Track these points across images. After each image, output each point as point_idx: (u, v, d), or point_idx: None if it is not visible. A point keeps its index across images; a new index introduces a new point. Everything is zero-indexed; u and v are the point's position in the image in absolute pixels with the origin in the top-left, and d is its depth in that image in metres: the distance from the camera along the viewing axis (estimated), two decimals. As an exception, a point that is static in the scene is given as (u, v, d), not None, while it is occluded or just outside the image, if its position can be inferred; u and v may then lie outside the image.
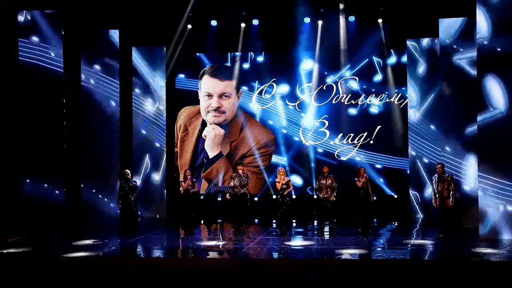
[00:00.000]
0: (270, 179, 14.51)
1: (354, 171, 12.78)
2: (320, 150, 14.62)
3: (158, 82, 14.84)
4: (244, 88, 14.98)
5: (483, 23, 10.66)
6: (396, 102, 14.36)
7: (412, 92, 13.88)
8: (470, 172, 11.94)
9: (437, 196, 10.66)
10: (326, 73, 14.71)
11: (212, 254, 9.50)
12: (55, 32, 11.83)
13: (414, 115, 13.84)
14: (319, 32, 14.35)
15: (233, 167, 14.41)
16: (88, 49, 13.27)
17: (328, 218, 11.96)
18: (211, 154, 14.79)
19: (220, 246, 10.05)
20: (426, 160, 13.60)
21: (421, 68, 13.80)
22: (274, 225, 12.74)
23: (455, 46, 12.26)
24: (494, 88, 10.56)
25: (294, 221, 13.30)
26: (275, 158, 14.76)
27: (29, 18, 11.79)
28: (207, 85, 14.82)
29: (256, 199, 14.47)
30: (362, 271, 8.11)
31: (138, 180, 13.81)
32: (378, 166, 14.39)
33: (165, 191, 14.80)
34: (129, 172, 11.66)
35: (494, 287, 7.69)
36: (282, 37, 14.39)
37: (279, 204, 11.56)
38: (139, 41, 14.53)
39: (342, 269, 8.21)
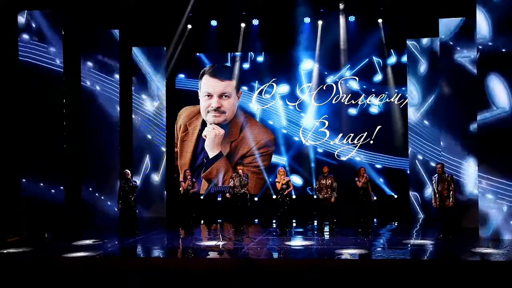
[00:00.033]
0: (270, 179, 14.51)
1: (354, 171, 12.79)
2: (320, 150, 14.62)
3: (158, 82, 14.84)
4: (244, 88, 14.98)
5: (483, 23, 10.67)
6: (396, 102, 14.36)
7: (413, 91, 13.85)
8: (470, 172, 11.94)
9: (437, 196, 10.65)
10: (326, 73, 14.71)
11: (212, 254, 9.50)
12: (55, 32, 11.83)
13: (414, 115, 13.83)
14: (319, 32, 14.35)
15: (233, 167, 14.41)
16: (88, 49, 13.26)
17: (328, 218, 11.96)
18: (211, 154, 14.79)
19: (220, 246, 10.05)
20: (426, 160, 13.60)
21: (422, 67, 13.79)
22: (274, 225, 12.74)
23: (453, 44, 12.25)
24: (497, 87, 10.55)
25: (294, 221, 13.29)
26: (275, 158, 14.76)
27: (29, 18, 11.78)
28: (207, 85, 14.82)
29: (256, 199, 14.47)
30: (362, 271, 8.11)
31: (138, 180, 13.81)
32: (378, 166, 14.39)
33: (165, 191, 14.80)
34: (129, 172, 11.66)
35: (494, 287, 7.68)
36: (282, 37, 14.39)
37: (279, 204, 11.57)
38: (139, 41, 14.54)
39: (342, 269, 8.21)
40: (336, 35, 14.17)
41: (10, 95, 11.71)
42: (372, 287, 7.82)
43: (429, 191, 13.21)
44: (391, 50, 14.36)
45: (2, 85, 11.69)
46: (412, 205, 13.78)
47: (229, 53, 14.99)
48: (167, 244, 10.82)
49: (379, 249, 9.99)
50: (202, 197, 14.65)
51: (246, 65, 14.97)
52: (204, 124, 14.93)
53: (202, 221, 13.76)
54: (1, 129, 11.63)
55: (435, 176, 10.80)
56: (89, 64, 13.28)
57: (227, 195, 11.85)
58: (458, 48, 12.25)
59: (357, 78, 14.52)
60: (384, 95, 14.42)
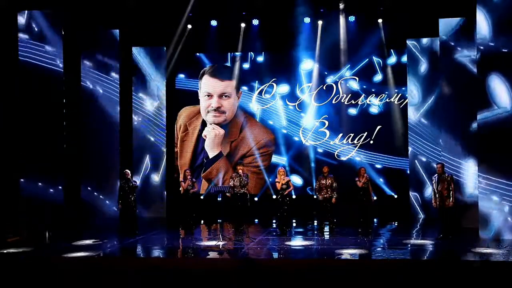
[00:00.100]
0: (270, 179, 14.51)
1: (354, 171, 12.80)
2: (320, 150, 14.62)
3: (158, 82, 14.84)
4: (244, 88, 14.98)
5: (483, 23, 10.67)
6: (396, 102, 14.35)
7: (414, 91, 13.84)
8: (470, 172, 11.94)
9: (437, 196, 10.65)
10: (326, 73, 14.71)
11: (212, 254, 9.51)
12: (55, 32, 11.81)
13: (414, 115, 13.83)
14: (319, 32, 14.35)
15: (233, 167, 14.41)
16: (88, 49, 13.26)
17: (328, 218, 11.95)
18: (211, 154, 14.79)
19: (220, 246, 10.05)
20: (425, 160, 13.59)
21: (423, 67, 13.78)
22: (274, 225, 12.74)
23: (453, 44, 12.25)
24: (498, 87, 10.55)
25: (294, 221, 13.29)
26: (275, 158, 14.76)
27: (29, 18, 11.77)
28: (207, 85, 14.82)
29: (256, 199, 14.47)
30: (362, 271, 8.11)
31: (138, 180, 13.81)
32: (378, 166, 14.38)
33: (165, 191, 14.80)
34: (129, 172, 11.66)
35: (494, 287, 7.68)
36: (282, 37, 14.39)
37: (279, 204, 11.56)
38: (139, 41, 14.54)
39: (342, 269, 8.21)
40: (336, 35, 14.17)
41: (10, 95, 11.70)
42: (372, 287, 7.81)
43: (429, 191, 13.20)
44: (391, 50, 14.36)
45: (2, 85, 11.68)
46: (412, 205, 13.78)
47: (229, 53, 14.99)
48: (167, 244, 10.82)
49: (379, 249, 9.99)
50: (202, 197, 14.65)
51: (246, 65, 14.97)
52: (204, 124, 14.93)
53: (202, 221, 13.76)
54: (1, 129, 11.63)
55: (435, 176, 10.80)
56: (89, 64, 13.28)
57: (228, 194, 11.85)
58: (458, 48, 12.25)
59: (357, 78, 14.52)
60: (384, 95, 14.42)
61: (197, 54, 15.10)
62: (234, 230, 11.79)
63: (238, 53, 14.86)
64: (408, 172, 14.02)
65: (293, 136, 14.76)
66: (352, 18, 14.16)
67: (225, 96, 14.74)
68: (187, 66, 15.13)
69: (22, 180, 11.55)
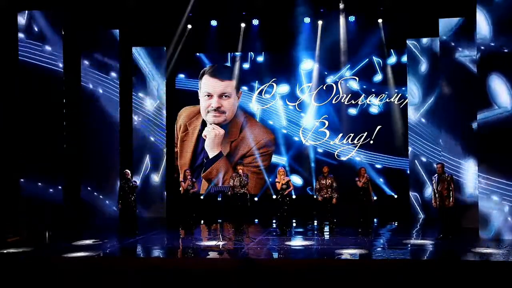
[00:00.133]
0: (270, 179, 14.51)
1: (354, 171, 12.80)
2: (320, 150, 14.62)
3: (158, 82, 14.84)
4: (244, 88, 14.98)
5: (483, 23, 10.67)
6: (396, 102, 14.35)
7: (414, 90, 13.83)
8: (470, 172, 11.93)
9: (437, 196, 10.65)
10: (326, 73, 14.71)
11: (212, 254, 9.50)
12: (55, 32, 11.81)
13: (414, 115, 13.82)
14: (319, 32, 14.35)
15: (233, 167, 14.41)
16: (88, 49, 13.26)
17: (328, 218, 11.95)
18: (211, 154, 14.79)
19: (220, 246, 10.05)
20: (425, 160, 13.59)
21: (423, 67, 13.78)
22: (274, 225, 12.74)
23: (453, 44, 12.25)
24: (499, 87, 10.55)
25: (294, 221, 13.29)
26: (275, 158, 14.76)
27: (29, 18, 11.77)
28: (207, 85, 14.82)
29: (256, 199, 14.47)
30: (362, 271, 8.11)
31: (138, 180, 13.81)
32: (378, 166, 14.38)
33: (165, 191, 14.79)
34: (129, 172, 11.66)
35: (494, 287, 7.68)
36: (282, 37, 14.40)
37: (279, 204, 11.55)
38: (139, 41, 14.54)
39: (342, 269, 8.21)
40: (336, 35, 14.17)
41: (10, 95, 11.70)
42: (372, 287, 7.81)
43: (429, 191, 13.20)
44: (391, 50, 14.36)
45: (2, 85, 11.68)
46: (412, 205, 13.78)
47: (229, 53, 14.99)
48: (167, 244, 10.82)
49: (379, 249, 9.99)
50: (202, 197, 14.65)
51: (246, 65, 14.97)
52: (204, 124, 14.93)
53: (202, 221, 13.76)
54: (1, 129, 11.63)
55: (435, 176, 10.80)
56: (89, 64, 13.28)
57: (228, 192, 11.85)
58: (459, 48, 12.24)
59: (357, 78, 14.52)
60: (384, 95, 14.42)
61: (197, 54, 15.10)
62: (234, 230, 11.79)
63: (238, 53, 14.86)
64: (408, 172, 14.02)
65: (293, 136, 14.76)
66: (352, 18, 14.16)
67: (225, 96, 14.74)
68: (187, 66, 15.13)
69: (22, 180, 11.56)
